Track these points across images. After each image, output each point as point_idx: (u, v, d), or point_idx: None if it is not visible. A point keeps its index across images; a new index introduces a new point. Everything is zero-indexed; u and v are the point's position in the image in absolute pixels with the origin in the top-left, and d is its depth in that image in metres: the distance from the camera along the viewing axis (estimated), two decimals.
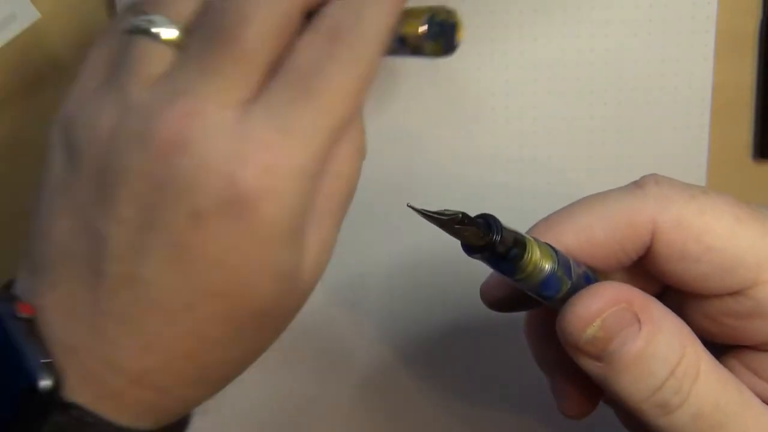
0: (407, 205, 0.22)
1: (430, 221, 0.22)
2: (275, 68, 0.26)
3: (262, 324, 0.27)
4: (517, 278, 0.24)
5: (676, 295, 0.26)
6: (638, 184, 0.26)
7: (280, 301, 0.26)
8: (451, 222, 0.22)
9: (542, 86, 0.38)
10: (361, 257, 0.40)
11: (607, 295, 0.23)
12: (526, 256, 0.23)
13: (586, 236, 0.25)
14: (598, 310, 0.23)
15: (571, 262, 0.24)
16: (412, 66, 0.37)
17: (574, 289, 0.24)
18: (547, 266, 0.23)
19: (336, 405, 0.42)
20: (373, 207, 0.39)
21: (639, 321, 0.23)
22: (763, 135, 0.38)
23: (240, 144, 0.24)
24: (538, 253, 0.23)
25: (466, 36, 0.34)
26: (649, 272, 0.26)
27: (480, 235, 0.23)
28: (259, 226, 0.24)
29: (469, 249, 0.23)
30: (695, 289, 0.25)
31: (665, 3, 0.37)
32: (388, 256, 0.40)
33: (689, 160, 0.38)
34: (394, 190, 0.39)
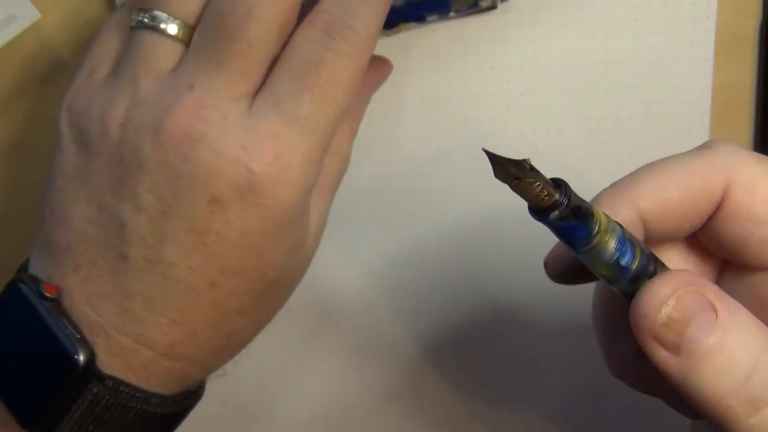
0: (482, 150, 0.21)
1: (498, 169, 0.21)
2: (276, 60, 0.28)
3: (276, 291, 0.29)
4: (583, 249, 0.22)
5: (729, 277, 0.26)
6: (706, 146, 0.25)
7: (291, 269, 0.29)
8: (521, 171, 0.21)
9: (542, 86, 0.38)
10: (374, 255, 0.40)
11: (682, 278, 0.22)
12: (594, 224, 0.22)
13: (663, 197, 0.24)
14: (673, 290, 0.22)
15: (634, 238, 0.23)
16: (412, 67, 0.37)
17: (641, 270, 0.23)
18: (614, 240, 0.22)
19: (357, 407, 0.42)
20: (381, 204, 0.39)
21: (714, 309, 0.22)
22: (763, 135, 0.38)
23: (251, 135, 0.26)
24: (605, 223, 0.22)
25: (466, 36, 0.34)
26: (709, 243, 0.26)
27: (548, 193, 0.21)
28: (272, 209, 0.27)
29: (537, 210, 0.22)
30: (754, 258, 0.25)
31: (665, 3, 0.37)
32: (401, 252, 0.40)
33: None
34: (395, 186, 0.39)
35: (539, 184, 0.21)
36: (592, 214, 0.22)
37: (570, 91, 0.38)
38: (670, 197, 0.24)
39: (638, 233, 0.25)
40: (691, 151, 0.25)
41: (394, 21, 0.35)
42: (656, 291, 0.22)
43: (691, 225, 0.25)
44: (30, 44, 0.37)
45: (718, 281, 0.27)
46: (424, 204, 0.39)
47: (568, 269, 0.26)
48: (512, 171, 0.21)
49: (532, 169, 0.21)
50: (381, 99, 0.37)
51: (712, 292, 0.22)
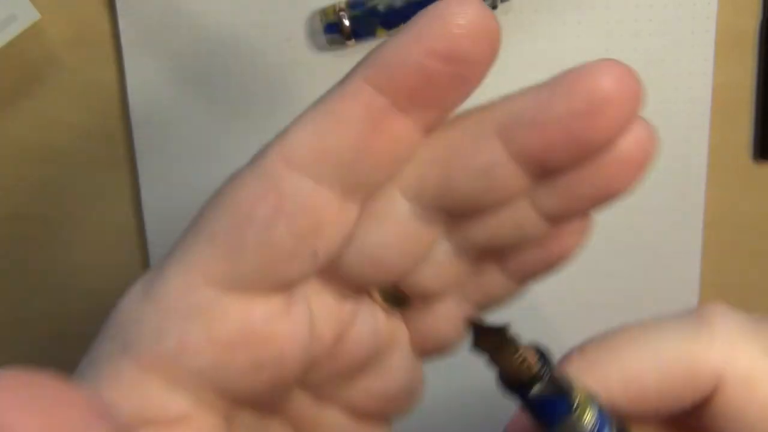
0: (467, 320, 0.18)
1: (480, 339, 0.18)
2: None
3: None
4: (561, 426, 0.19)
5: None
6: (703, 320, 0.21)
7: None
8: (502, 339, 0.18)
9: None
10: None
11: None
12: (575, 397, 0.18)
13: (637, 386, 0.20)
14: None
15: (609, 417, 0.19)
16: None
17: None
18: (592, 413, 0.19)
19: None
20: None
21: None
22: (763, 135, 0.38)
23: None
24: (585, 394, 0.19)
25: None
26: (693, 422, 0.21)
27: (528, 363, 0.18)
28: None
29: (512, 383, 0.18)
30: None
31: (665, 3, 0.37)
32: None
33: (689, 160, 0.38)
34: None
35: (520, 355, 0.18)
36: (572, 386, 0.19)
37: None
38: (646, 386, 0.20)
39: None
40: (681, 324, 0.21)
41: (394, 22, 0.35)
42: None
43: (669, 413, 0.21)
44: (30, 44, 0.37)
45: None
46: None
47: None
48: (493, 340, 0.18)
49: (512, 336, 0.18)
50: None
51: None
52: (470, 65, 0.16)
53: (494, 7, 0.36)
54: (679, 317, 0.21)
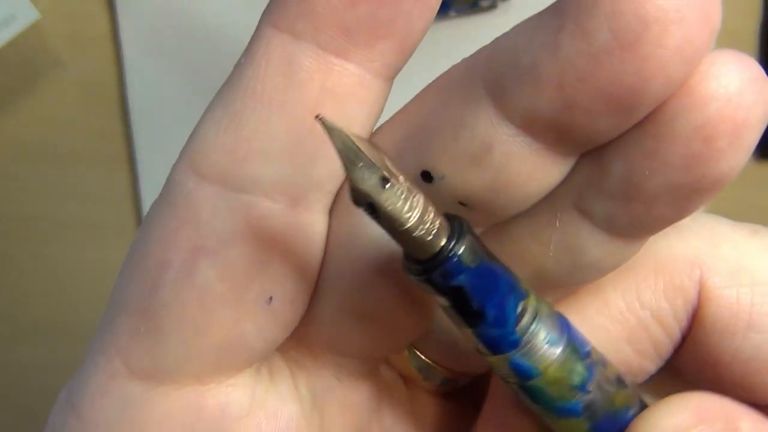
0: (315, 117, 0.11)
1: (345, 166, 0.11)
2: None
3: None
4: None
5: None
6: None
7: None
8: (382, 183, 0.11)
9: None
10: None
11: (705, 404, 0.13)
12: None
13: (598, 308, 0.14)
14: (693, 423, 0.13)
15: (590, 345, 0.14)
16: (411, 67, 0.37)
17: (599, 400, 0.13)
18: (545, 335, 0.13)
19: None
20: None
21: None
22: (763, 135, 0.38)
23: None
24: (544, 309, 0.13)
25: (466, 36, 0.34)
26: (686, 367, 0.15)
27: (433, 232, 0.12)
28: None
29: (413, 256, 0.12)
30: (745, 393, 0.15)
31: None
32: None
33: None
34: None
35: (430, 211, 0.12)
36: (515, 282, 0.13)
37: None
38: (611, 310, 0.14)
39: None
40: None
41: None
42: (664, 423, 0.13)
43: (656, 350, 0.15)
44: (30, 44, 0.37)
45: None
46: None
47: None
48: (377, 173, 0.11)
49: (407, 191, 0.11)
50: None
51: (748, 422, 0.13)
52: None
53: (494, 6, 0.36)
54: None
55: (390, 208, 0.11)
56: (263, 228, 0.12)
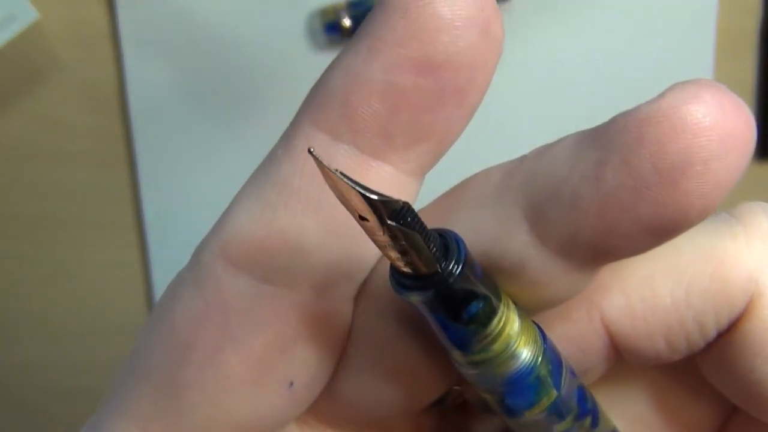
0: (308, 151, 0.11)
1: (343, 196, 0.11)
2: None
3: None
4: (473, 354, 0.12)
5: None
6: (737, 218, 0.14)
7: None
8: (382, 207, 0.11)
9: (541, 86, 0.38)
10: None
11: None
12: (495, 319, 0.12)
13: (643, 296, 0.14)
14: None
15: (564, 362, 0.13)
16: None
17: (561, 409, 0.13)
18: (525, 353, 0.13)
19: None
20: None
21: None
22: (763, 135, 0.38)
23: None
24: (515, 325, 0.13)
25: None
26: (712, 374, 0.15)
27: (427, 256, 0.11)
28: None
29: (403, 277, 0.12)
30: None
31: (665, 3, 0.37)
32: None
33: None
34: None
35: (412, 240, 0.11)
36: (493, 304, 0.12)
37: (570, 91, 0.38)
38: (657, 295, 0.14)
39: (600, 352, 0.14)
40: (709, 224, 0.14)
41: None
42: None
43: (689, 346, 0.14)
44: (30, 44, 0.37)
45: None
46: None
47: None
48: (355, 203, 0.11)
49: (400, 216, 0.11)
50: None
51: None
52: (460, 72, 0.11)
53: None
54: (708, 220, 0.14)
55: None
56: (290, 318, 0.12)
